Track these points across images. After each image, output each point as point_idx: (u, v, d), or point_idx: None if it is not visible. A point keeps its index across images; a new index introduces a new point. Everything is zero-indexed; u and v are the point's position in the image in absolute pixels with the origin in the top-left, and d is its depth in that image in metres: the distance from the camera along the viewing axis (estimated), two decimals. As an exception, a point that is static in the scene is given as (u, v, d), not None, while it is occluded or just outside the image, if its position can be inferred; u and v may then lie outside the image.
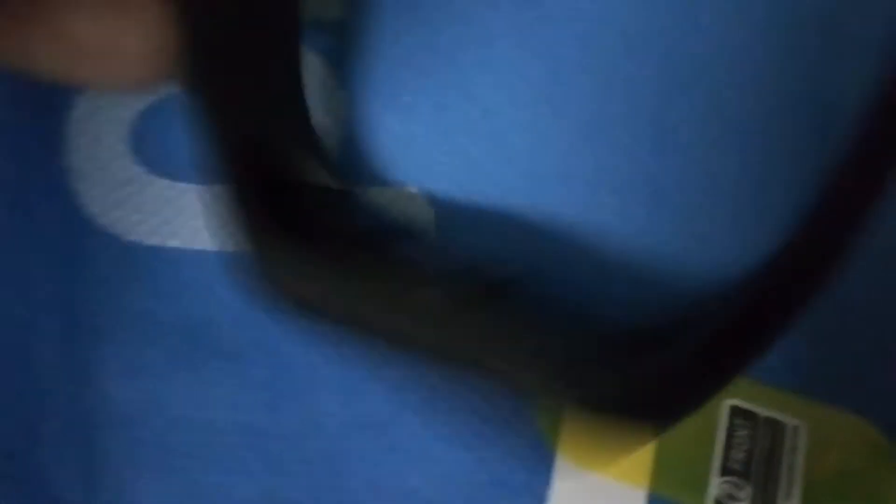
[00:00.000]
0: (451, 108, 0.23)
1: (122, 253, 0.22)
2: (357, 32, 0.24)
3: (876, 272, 0.22)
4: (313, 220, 0.20)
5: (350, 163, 0.23)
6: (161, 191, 0.23)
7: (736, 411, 0.22)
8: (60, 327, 0.22)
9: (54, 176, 0.23)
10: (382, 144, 0.23)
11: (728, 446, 0.21)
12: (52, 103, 0.23)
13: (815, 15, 0.23)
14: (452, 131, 0.23)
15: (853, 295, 0.22)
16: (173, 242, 0.23)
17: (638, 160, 0.23)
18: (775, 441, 0.22)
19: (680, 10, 0.23)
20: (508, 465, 0.21)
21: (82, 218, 0.23)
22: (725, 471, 0.21)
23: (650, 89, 0.23)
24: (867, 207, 0.19)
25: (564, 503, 0.21)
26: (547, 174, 0.23)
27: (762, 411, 0.22)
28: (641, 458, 0.21)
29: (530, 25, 0.23)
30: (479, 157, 0.23)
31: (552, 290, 0.21)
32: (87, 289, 0.22)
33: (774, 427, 0.22)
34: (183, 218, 0.23)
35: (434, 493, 0.21)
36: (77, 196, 0.23)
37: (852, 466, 0.21)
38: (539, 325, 0.18)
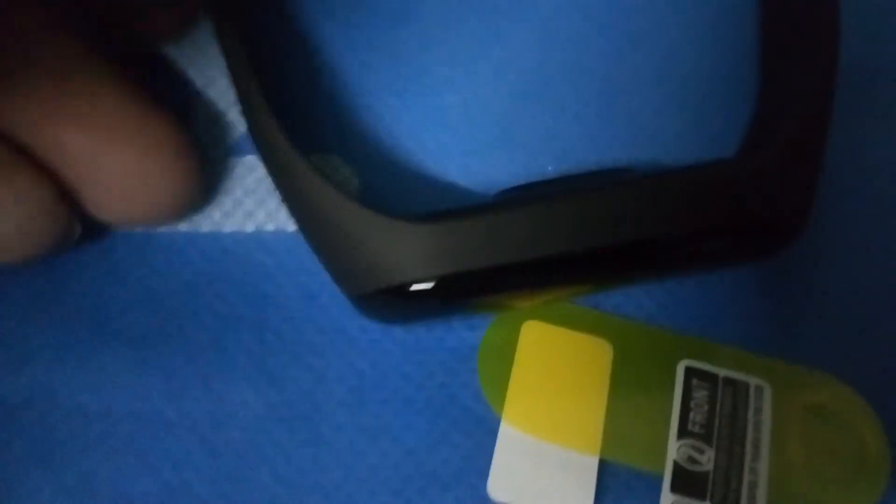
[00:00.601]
0: (380, 70, 0.22)
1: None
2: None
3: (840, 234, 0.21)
4: None
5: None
6: None
7: (692, 372, 0.20)
8: None
9: None
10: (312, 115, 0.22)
11: (686, 408, 0.20)
12: None
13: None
14: (379, 91, 0.22)
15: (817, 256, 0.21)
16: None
17: (583, 124, 0.22)
18: (737, 402, 0.20)
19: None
20: (440, 456, 0.19)
21: None
22: (684, 434, 0.19)
23: (596, 48, 0.23)
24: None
25: (508, 475, 0.19)
26: (485, 140, 0.22)
27: (721, 371, 0.20)
28: (592, 423, 0.19)
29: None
30: (412, 122, 0.22)
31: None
32: None
33: (736, 387, 0.20)
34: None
35: (357, 487, 0.19)
36: None
37: (822, 424, 0.19)
38: None
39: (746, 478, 0.19)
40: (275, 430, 0.19)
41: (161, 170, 0.18)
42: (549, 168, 0.22)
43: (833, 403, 0.20)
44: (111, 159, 0.18)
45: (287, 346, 0.20)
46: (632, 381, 0.20)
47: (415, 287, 0.18)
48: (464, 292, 0.18)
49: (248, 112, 0.19)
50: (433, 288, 0.18)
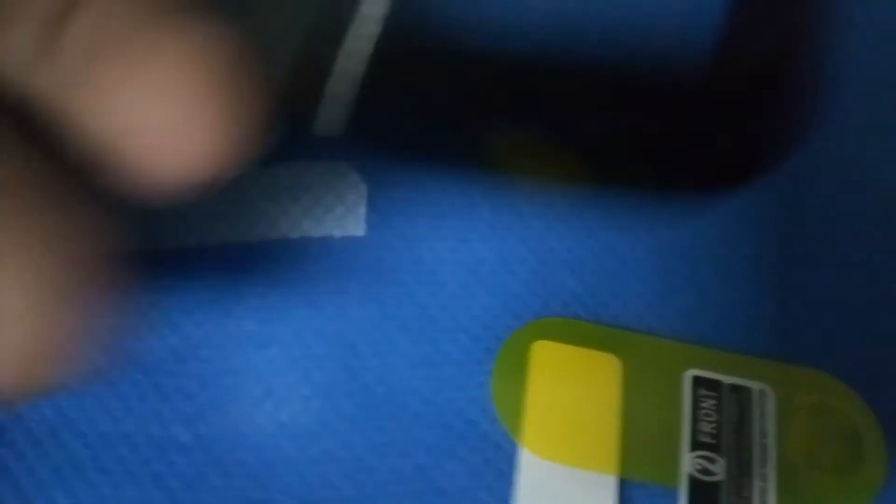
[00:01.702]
0: None
1: None
2: None
3: (836, 229, 0.22)
4: None
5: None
6: None
7: (699, 381, 0.20)
8: None
9: None
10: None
11: (695, 419, 0.20)
12: None
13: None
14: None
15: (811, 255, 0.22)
16: None
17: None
18: (743, 408, 0.20)
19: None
20: (448, 470, 0.19)
21: None
22: (696, 445, 0.20)
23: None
24: None
25: (532, 500, 0.19)
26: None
27: (725, 378, 0.20)
28: (608, 442, 0.20)
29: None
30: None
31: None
32: None
33: (740, 393, 0.20)
34: None
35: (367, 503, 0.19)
36: None
37: (825, 425, 0.20)
38: None
39: (756, 484, 0.20)
40: (285, 449, 0.19)
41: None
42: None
43: (830, 401, 0.20)
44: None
45: (295, 362, 0.20)
46: (641, 393, 0.20)
47: None
48: None
49: None
50: None
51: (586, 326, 0.21)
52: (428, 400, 0.20)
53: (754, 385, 0.20)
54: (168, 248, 0.21)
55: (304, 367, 0.20)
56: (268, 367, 0.20)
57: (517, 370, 0.20)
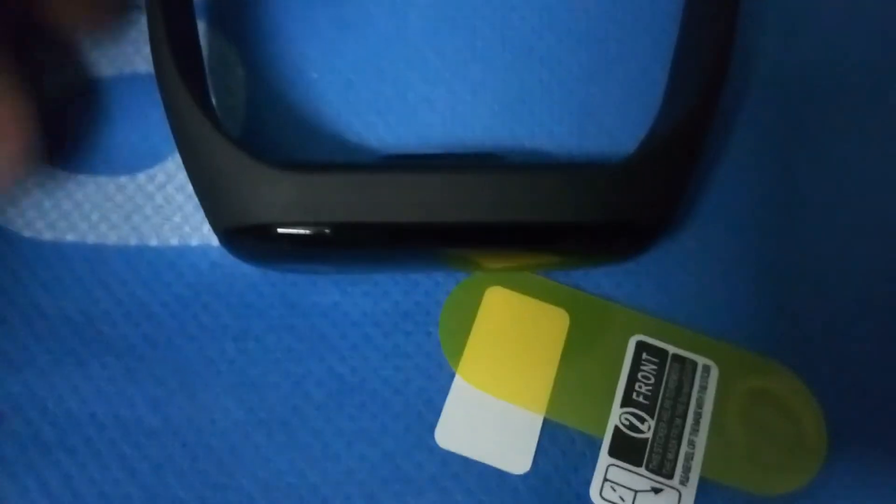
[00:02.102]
0: (363, 89, 0.23)
1: (19, 249, 0.22)
2: (259, 5, 0.24)
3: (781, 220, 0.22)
4: None
5: (254, 142, 0.23)
6: (60, 183, 0.22)
7: (643, 346, 0.21)
8: None
9: None
10: (287, 124, 0.23)
11: (632, 380, 0.20)
12: None
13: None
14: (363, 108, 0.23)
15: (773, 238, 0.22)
16: (70, 237, 0.22)
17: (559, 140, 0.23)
18: (684, 377, 0.20)
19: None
20: (415, 460, 0.20)
21: None
22: (628, 402, 0.20)
23: (572, 66, 0.24)
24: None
25: (456, 425, 0.20)
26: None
27: (671, 349, 0.21)
28: (541, 384, 0.20)
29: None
30: (394, 140, 0.23)
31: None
32: None
33: (684, 364, 0.20)
34: (80, 211, 0.22)
35: (333, 490, 0.19)
36: None
37: (765, 407, 0.20)
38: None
39: (684, 449, 0.19)
40: (254, 435, 0.20)
41: None
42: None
43: (777, 389, 0.20)
44: None
45: (269, 353, 0.21)
46: (584, 349, 0.21)
47: (275, 230, 0.18)
48: (316, 242, 0.19)
49: (155, 63, 0.20)
50: (288, 234, 0.18)
51: (543, 282, 0.21)
52: (397, 389, 0.20)
53: (699, 359, 0.20)
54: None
55: (277, 359, 0.21)
56: (242, 356, 0.21)
57: (468, 308, 0.21)
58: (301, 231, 0.18)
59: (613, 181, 0.18)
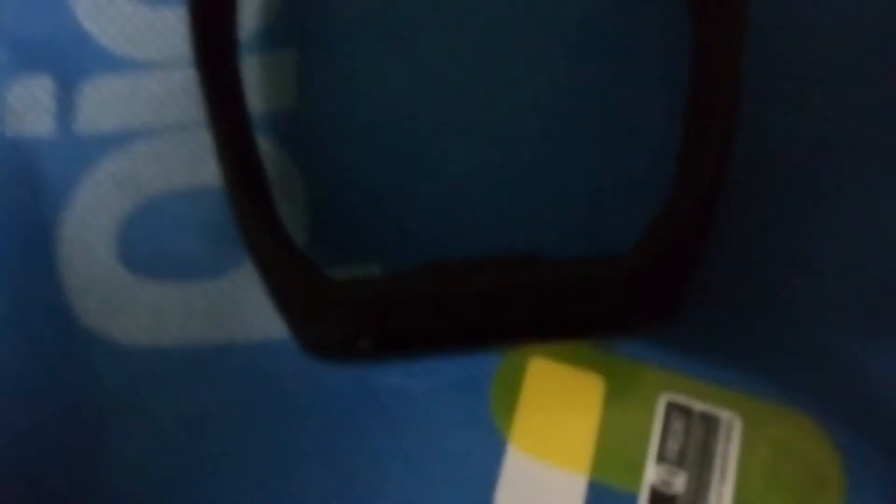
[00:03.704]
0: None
1: (121, 357, 0.25)
2: (315, 119, 0.26)
3: (805, 268, 0.24)
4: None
5: (317, 247, 0.25)
6: (149, 293, 0.25)
7: (672, 406, 0.23)
8: (68, 434, 0.24)
9: (50, 295, 0.25)
10: (349, 226, 0.25)
11: (664, 437, 0.23)
12: (41, 223, 0.26)
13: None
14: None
15: (787, 293, 0.24)
16: (165, 341, 0.25)
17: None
18: (709, 433, 0.23)
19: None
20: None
21: (80, 330, 0.25)
22: (661, 459, 0.23)
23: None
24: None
25: (513, 491, 0.23)
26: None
27: (697, 406, 0.23)
28: (583, 447, 0.23)
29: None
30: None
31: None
32: (90, 395, 0.24)
33: (709, 420, 0.23)
34: (170, 316, 0.25)
35: None
36: (73, 310, 0.25)
37: (787, 457, 0.23)
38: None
39: (712, 501, 0.22)
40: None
41: None
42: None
43: (796, 437, 0.23)
44: None
45: (346, 431, 0.24)
46: (619, 412, 0.23)
47: (346, 346, 0.21)
48: (385, 353, 0.21)
49: (226, 193, 0.22)
50: (359, 349, 0.21)
51: (578, 349, 0.24)
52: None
53: (723, 414, 0.23)
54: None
55: (354, 435, 0.24)
56: (325, 435, 0.24)
57: (514, 382, 0.24)
58: (365, 343, 0.21)
59: (635, 274, 0.21)
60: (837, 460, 0.22)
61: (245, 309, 0.25)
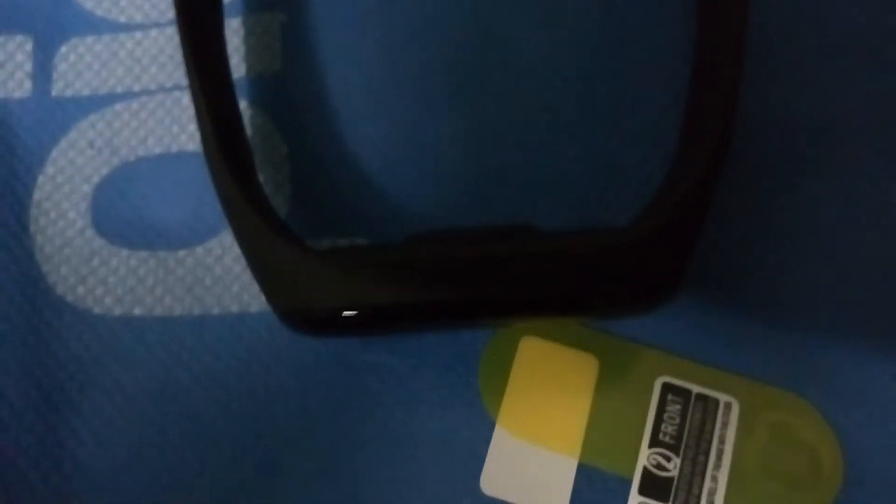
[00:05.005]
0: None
1: (91, 326, 0.24)
2: (300, 85, 0.25)
3: (806, 253, 0.23)
4: None
5: (301, 219, 0.24)
6: (123, 260, 0.24)
7: (668, 388, 0.22)
8: (32, 404, 0.23)
9: (20, 260, 0.24)
10: (330, 197, 0.24)
11: (659, 420, 0.22)
12: (13, 186, 0.25)
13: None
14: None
15: (786, 276, 0.23)
16: (137, 311, 0.24)
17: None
18: (706, 415, 0.22)
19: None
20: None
21: (51, 297, 0.24)
22: (655, 443, 0.22)
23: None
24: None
25: (499, 472, 0.22)
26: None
27: (694, 388, 0.22)
28: (574, 429, 0.22)
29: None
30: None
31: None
32: (57, 364, 0.23)
33: (706, 402, 0.22)
34: (144, 286, 0.24)
35: None
36: (44, 276, 0.24)
37: (782, 439, 0.22)
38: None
39: (707, 484, 0.21)
40: (315, 484, 0.22)
41: None
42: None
43: (794, 421, 0.22)
44: None
45: (326, 410, 0.23)
46: (613, 393, 0.22)
47: (326, 315, 0.20)
48: (366, 324, 0.20)
49: (207, 159, 0.22)
50: (338, 317, 0.20)
51: (572, 328, 0.23)
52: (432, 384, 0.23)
53: (721, 396, 0.22)
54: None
55: (334, 413, 0.23)
56: (302, 414, 0.23)
57: (504, 360, 0.23)
58: (350, 314, 0.20)
59: (636, 246, 0.20)
60: (835, 444, 0.21)
61: (222, 280, 0.24)
